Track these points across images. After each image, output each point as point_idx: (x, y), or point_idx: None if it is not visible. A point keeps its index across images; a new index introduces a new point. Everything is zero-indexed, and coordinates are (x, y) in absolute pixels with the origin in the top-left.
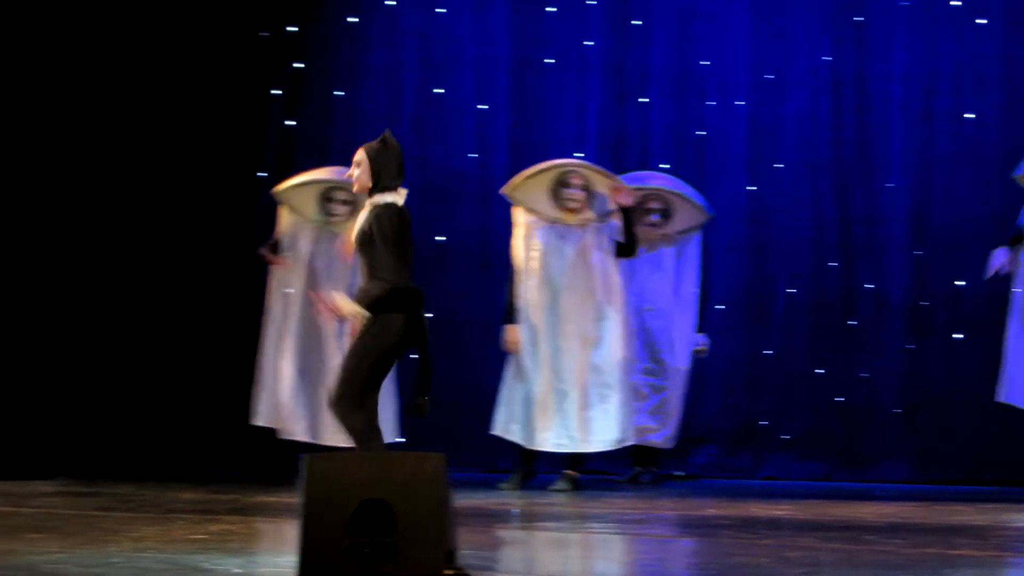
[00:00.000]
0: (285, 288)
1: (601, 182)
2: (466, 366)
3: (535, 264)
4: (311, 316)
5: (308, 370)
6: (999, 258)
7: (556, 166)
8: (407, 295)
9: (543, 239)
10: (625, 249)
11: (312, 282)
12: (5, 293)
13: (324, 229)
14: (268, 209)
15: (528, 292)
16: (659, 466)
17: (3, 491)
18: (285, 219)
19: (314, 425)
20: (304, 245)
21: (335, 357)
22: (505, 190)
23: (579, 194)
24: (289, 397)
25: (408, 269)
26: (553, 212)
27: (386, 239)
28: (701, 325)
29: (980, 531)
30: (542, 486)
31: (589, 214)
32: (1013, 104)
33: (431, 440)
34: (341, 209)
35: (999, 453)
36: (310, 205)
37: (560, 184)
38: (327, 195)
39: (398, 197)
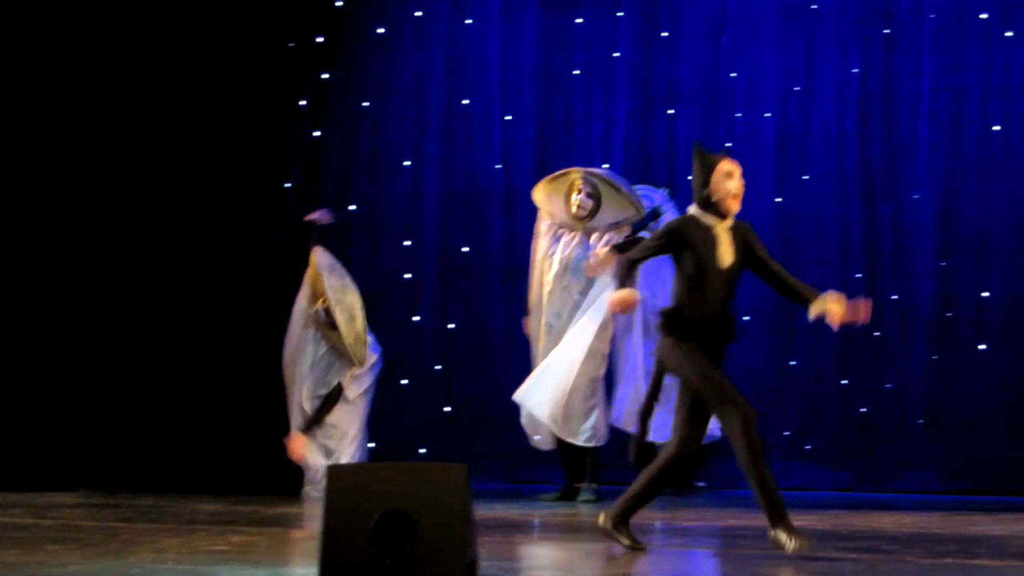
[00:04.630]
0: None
1: (614, 197)
2: (490, 376)
3: (547, 266)
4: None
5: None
6: None
7: (573, 171)
8: None
9: (554, 243)
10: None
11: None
12: (30, 305)
13: None
14: (295, 219)
15: (543, 294)
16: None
17: (25, 503)
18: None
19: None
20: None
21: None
22: (533, 193)
23: (588, 202)
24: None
25: None
26: (565, 216)
27: None
28: None
29: (999, 541)
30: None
31: (595, 223)
32: None
33: (454, 450)
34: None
35: (1021, 464)
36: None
37: (574, 189)
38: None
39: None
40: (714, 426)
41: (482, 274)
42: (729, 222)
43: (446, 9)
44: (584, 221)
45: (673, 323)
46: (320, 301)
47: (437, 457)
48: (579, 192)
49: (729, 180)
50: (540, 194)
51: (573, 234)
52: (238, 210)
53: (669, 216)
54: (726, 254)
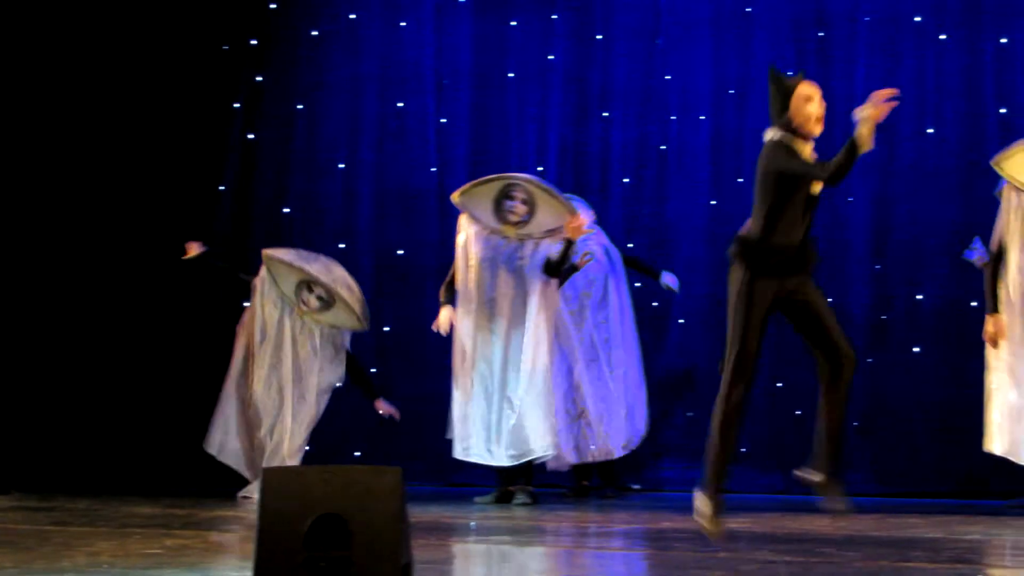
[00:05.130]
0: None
1: (549, 203)
2: (425, 379)
3: (472, 274)
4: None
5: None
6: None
7: (502, 177)
8: None
9: (481, 250)
10: (552, 268)
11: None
12: None
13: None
14: (228, 221)
15: (462, 303)
16: (618, 480)
17: None
18: (263, 278)
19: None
20: (273, 311)
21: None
22: (454, 196)
23: (521, 208)
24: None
25: None
26: (494, 223)
27: None
28: None
29: (934, 543)
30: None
31: (529, 229)
32: (973, 119)
33: (389, 453)
34: (314, 303)
35: (955, 466)
36: (288, 284)
37: (504, 196)
38: (307, 284)
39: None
40: (634, 431)
41: (417, 276)
42: (812, 146)
43: (380, 12)
44: (515, 228)
45: (751, 253)
46: (303, 293)
47: (372, 460)
48: (511, 198)
49: (809, 104)
50: (465, 198)
51: (505, 240)
52: (172, 212)
53: (596, 235)
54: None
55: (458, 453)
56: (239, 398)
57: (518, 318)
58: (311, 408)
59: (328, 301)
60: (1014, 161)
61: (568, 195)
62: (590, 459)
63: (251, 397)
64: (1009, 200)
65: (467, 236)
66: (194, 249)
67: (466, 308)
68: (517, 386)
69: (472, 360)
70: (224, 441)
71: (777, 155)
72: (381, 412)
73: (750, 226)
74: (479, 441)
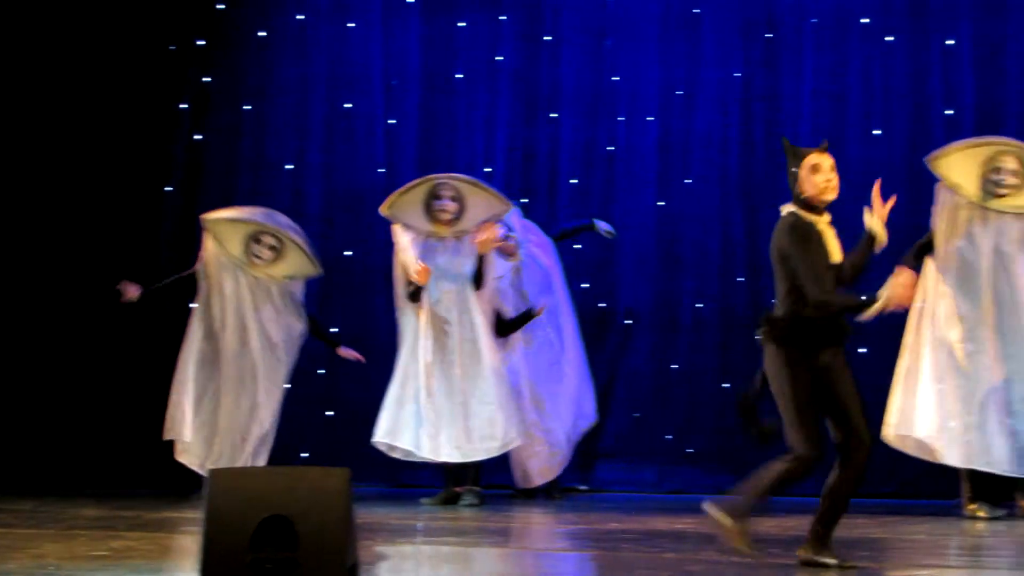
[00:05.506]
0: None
1: (478, 195)
2: (372, 381)
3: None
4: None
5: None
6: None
7: (426, 180)
8: None
9: (420, 254)
10: (477, 283)
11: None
12: None
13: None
14: (175, 223)
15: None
16: (564, 481)
17: None
18: (210, 249)
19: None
20: (228, 282)
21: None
22: (382, 209)
23: (451, 205)
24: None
25: None
26: (427, 226)
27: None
28: None
29: (879, 543)
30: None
31: (464, 225)
32: (920, 121)
33: (336, 455)
34: (266, 253)
35: (900, 466)
36: (235, 244)
37: (432, 197)
38: (255, 236)
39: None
40: (583, 417)
41: (365, 278)
42: (828, 216)
43: (328, 13)
44: (449, 226)
45: (786, 332)
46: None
47: (319, 461)
48: (439, 198)
49: (816, 173)
50: (395, 210)
51: (442, 242)
52: (118, 213)
53: (532, 231)
54: (835, 250)
55: (382, 436)
56: (199, 382)
57: (464, 317)
58: (283, 367)
59: (279, 248)
60: (946, 161)
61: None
62: (537, 479)
63: (220, 374)
64: (941, 198)
65: (403, 245)
66: (132, 292)
67: (413, 311)
68: (467, 386)
69: (421, 361)
70: (183, 428)
71: (790, 239)
72: (346, 357)
73: (776, 305)
74: (419, 435)
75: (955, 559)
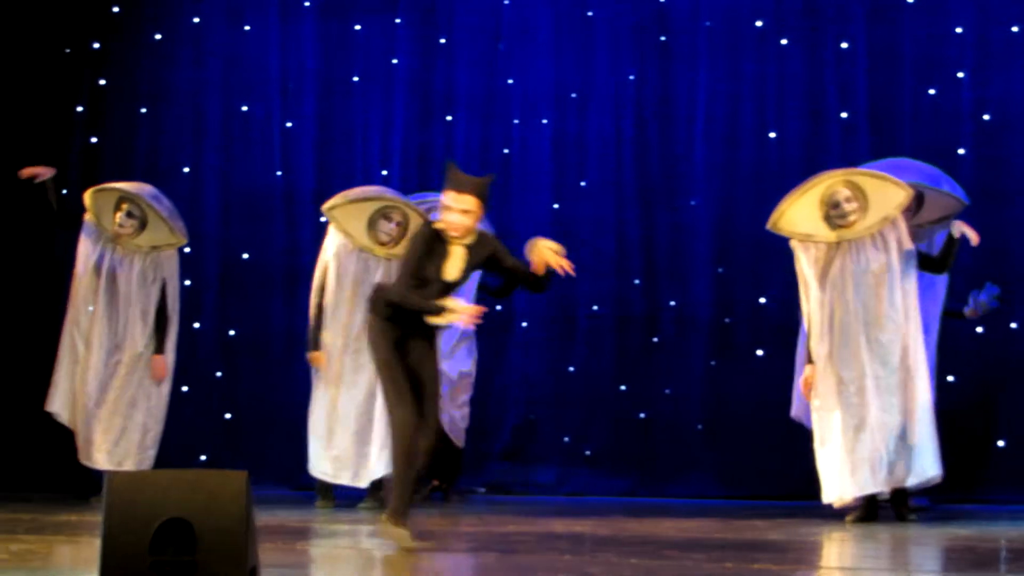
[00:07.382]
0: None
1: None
2: (271, 383)
3: (346, 293)
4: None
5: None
6: None
7: (382, 199)
8: None
9: (351, 265)
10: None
11: None
12: None
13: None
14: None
15: (333, 320)
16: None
17: None
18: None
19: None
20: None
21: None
22: (325, 207)
23: (395, 230)
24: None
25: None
26: (365, 241)
27: None
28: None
29: (778, 546)
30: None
31: (397, 250)
32: (815, 123)
33: (235, 457)
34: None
35: (798, 469)
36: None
37: (381, 216)
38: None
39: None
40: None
41: (262, 280)
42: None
43: (223, 15)
44: (386, 247)
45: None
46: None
47: (218, 464)
48: (389, 220)
49: (447, 212)
50: (339, 212)
51: (376, 260)
52: (12, 215)
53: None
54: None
55: (320, 472)
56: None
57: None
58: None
59: (142, 219)
60: (787, 218)
61: (417, 195)
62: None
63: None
64: (799, 254)
65: (336, 249)
66: (44, 172)
67: (337, 326)
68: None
69: (345, 378)
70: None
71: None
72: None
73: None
74: (343, 464)
75: (853, 560)
